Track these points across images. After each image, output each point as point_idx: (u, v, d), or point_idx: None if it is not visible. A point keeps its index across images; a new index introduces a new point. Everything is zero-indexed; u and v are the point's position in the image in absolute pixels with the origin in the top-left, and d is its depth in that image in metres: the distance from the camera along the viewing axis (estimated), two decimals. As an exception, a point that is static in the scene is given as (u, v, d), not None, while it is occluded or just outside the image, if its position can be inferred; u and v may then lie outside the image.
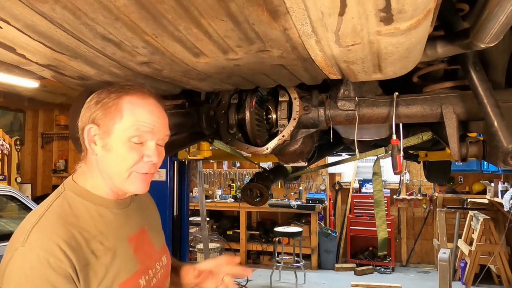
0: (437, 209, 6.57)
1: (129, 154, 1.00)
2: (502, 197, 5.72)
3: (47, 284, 0.87)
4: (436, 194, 7.18)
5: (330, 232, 7.32)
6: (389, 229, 6.54)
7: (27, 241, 0.90)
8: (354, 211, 7.45)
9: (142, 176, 1.03)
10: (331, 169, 7.73)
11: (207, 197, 7.71)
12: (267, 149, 1.62)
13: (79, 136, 1.05)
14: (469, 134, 1.58)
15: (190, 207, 4.81)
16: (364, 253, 7.25)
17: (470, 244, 5.96)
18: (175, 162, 4.34)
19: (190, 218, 5.39)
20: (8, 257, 0.90)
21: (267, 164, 4.52)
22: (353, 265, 7.10)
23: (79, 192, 1.04)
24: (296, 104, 1.60)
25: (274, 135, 1.66)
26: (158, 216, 1.34)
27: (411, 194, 7.43)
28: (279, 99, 1.63)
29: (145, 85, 1.11)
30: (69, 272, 0.89)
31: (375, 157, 2.15)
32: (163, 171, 4.24)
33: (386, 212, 6.68)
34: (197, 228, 6.40)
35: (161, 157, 1.06)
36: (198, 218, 5.51)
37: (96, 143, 1.02)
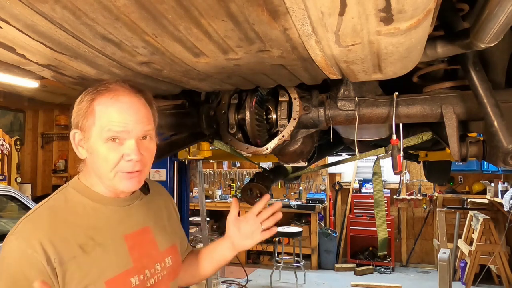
0: (437, 209, 6.57)
1: (109, 155, 1.02)
2: (502, 197, 5.73)
3: (21, 274, 0.93)
4: (436, 194, 7.18)
5: (330, 232, 7.32)
6: (389, 229, 6.54)
7: (15, 230, 0.98)
8: (354, 211, 7.45)
9: (127, 175, 1.04)
10: (331, 169, 7.73)
11: (207, 197, 7.71)
12: (267, 149, 1.62)
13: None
14: (469, 134, 1.57)
15: (190, 207, 4.81)
16: (364, 253, 7.25)
17: (470, 244, 5.97)
18: (175, 162, 4.34)
19: (190, 218, 5.40)
20: (3, 243, 0.98)
21: (267, 164, 4.52)
22: (353, 265, 7.11)
23: (79, 188, 1.08)
24: (296, 104, 1.60)
25: (274, 135, 1.66)
26: (173, 218, 1.33)
27: (411, 194, 7.43)
28: (279, 99, 1.63)
29: (124, 81, 1.10)
30: (43, 266, 0.93)
31: (375, 157, 2.15)
32: (163, 171, 4.24)
33: (386, 212, 6.68)
34: (197, 228, 6.39)
35: (148, 151, 1.07)
36: (198, 218, 5.51)
37: (83, 146, 1.06)
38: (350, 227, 7.38)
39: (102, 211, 1.07)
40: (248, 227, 1.31)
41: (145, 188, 1.22)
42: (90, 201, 1.07)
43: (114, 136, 1.01)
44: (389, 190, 7.36)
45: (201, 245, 5.40)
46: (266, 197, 1.39)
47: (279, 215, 1.32)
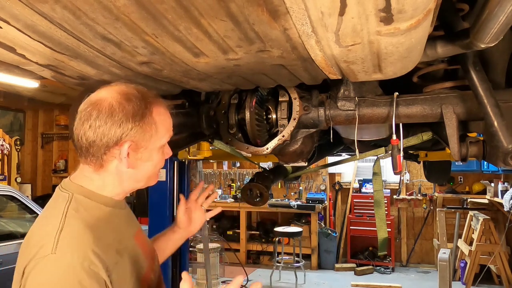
0: (437, 209, 6.57)
1: (161, 158, 1.08)
2: (502, 197, 5.72)
3: (79, 286, 0.86)
4: (436, 194, 7.18)
5: (330, 232, 7.32)
6: (389, 229, 6.54)
7: (57, 247, 0.88)
8: (354, 211, 7.45)
9: (159, 171, 1.11)
10: (331, 169, 7.73)
11: (207, 197, 7.70)
12: (267, 149, 1.62)
13: (93, 147, 0.99)
14: (469, 134, 1.57)
15: (190, 207, 4.80)
16: (364, 253, 7.24)
17: (470, 244, 5.96)
18: (175, 162, 4.33)
19: (190, 218, 5.38)
20: (32, 265, 0.88)
21: (267, 164, 4.52)
22: (353, 265, 7.10)
23: (88, 195, 1.02)
24: (296, 104, 1.60)
25: (274, 135, 1.66)
26: None
27: (411, 194, 7.43)
28: (279, 99, 1.63)
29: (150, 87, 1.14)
30: (101, 276, 0.90)
31: (375, 157, 2.15)
32: (163, 171, 4.23)
33: (386, 212, 6.68)
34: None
35: None
36: (198, 218, 5.49)
37: (130, 157, 1.00)
38: (350, 227, 7.37)
39: (116, 214, 1.06)
40: (194, 214, 1.43)
41: None
42: (104, 206, 1.03)
43: (167, 140, 1.08)
44: (389, 190, 7.35)
45: (201, 245, 5.40)
46: (200, 184, 1.50)
47: (215, 195, 1.52)
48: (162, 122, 1.04)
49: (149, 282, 1.10)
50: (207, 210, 1.48)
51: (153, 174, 1.09)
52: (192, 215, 1.43)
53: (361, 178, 7.70)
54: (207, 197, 1.46)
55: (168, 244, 1.41)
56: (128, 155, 0.99)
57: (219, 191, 8.25)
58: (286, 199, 7.73)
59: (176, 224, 1.41)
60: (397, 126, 1.51)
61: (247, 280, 6.31)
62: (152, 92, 1.07)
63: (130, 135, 0.97)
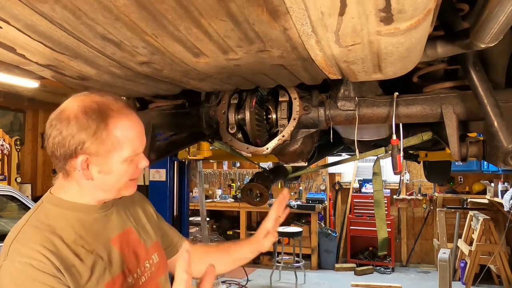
0: (437, 209, 6.57)
1: (128, 169, 1.06)
2: (502, 197, 5.72)
3: (37, 283, 0.92)
4: (436, 194, 7.18)
5: (330, 232, 7.32)
6: (389, 229, 6.54)
7: (8, 255, 0.95)
8: (354, 211, 7.45)
9: (134, 182, 1.11)
10: (331, 169, 7.73)
11: (207, 197, 7.70)
12: (267, 149, 1.62)
13: (55, 156, 1.02)
14: (469, 134, 1.57)
15: (190, 207, 4.81)
16: (364, 253, 7.25)
17: (470, 244, 5.96)
18: (175, 162, 4.34)
19: (190, 218, 5.40)
20: None
21: (267, 164, 4.52)
22: (353, 265, 7.10)
23: (55, 203, 1.07)
24: (296, 104, 1.60)
25: (274, 135, 1.66)
26: (151, 217, 1.34)
27: (411, 194, 7.43)
28: (279, 99, 1.63)
29: (111, 94, 1.09)
30: (53, 271, 0.93)
31: (375, 157, 2.15)
32: (163, 171, 4.23)
33: (386, 212, 6.68)
34: (197, 228, 6.40)
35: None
36: (198, 218, 5.51)
37: (90, 169, 1.02)
38: (350, 227, 7.37)
39: (84, 220, 1.07)
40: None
41: None
42: (70, 212, 1.06)
43: (135, 153, 1.06)
44: (389, 190, 7.35)
45: (201, 245, 5.39)
46: (285, 193, 1.50)
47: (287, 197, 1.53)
48: (124, 135, 1.02)
49: (123, 285, 1.07)
50: None
51: (123, 185, 1.07)
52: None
53: (361, 178, 7.70)
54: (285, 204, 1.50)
55: (234, 255, 1.48)
56: (88, 167, 1.01)
57: (219, 191, 8.25)
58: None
59: (257, 247, 1.47)
60: (397, 126, 1.51)
61: (247, 280, 6.31)
62: (119, 103, 1.05)
63: (84, 149, 0.99)
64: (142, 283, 1.13)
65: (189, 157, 4.08)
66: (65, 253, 0.98)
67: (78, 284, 0.97)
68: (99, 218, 1.11)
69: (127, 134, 1.04)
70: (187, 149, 3.86)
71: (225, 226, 7.88)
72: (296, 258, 6.56)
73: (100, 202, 1.10)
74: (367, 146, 2.32)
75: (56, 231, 1.01)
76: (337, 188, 7.86)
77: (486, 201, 6.54)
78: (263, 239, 1.45)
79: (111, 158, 1.02)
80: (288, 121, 1.61)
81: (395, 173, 1.56)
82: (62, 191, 1.08)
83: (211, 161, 7.67)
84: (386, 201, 6.89)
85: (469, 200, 6.86)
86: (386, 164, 5.50)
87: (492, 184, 6.30)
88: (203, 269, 1.30)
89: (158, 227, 1.35)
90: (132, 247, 1.15)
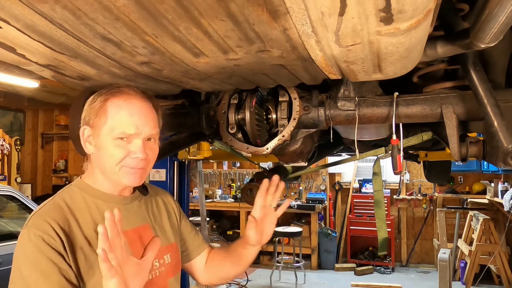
0: (437, 209, 6.57)
1: (116, 151, 1.09)
2: (502, 197, 5.72)
3: (42, 255, 0.99)
4: (436, 194, 7.18)
5: (330, 232, 7.32)
6: (389, 229, 6.54)
7: (27, 224, 1.04)
8: (354, 211, 7.45)
9: (131, 170, 1.12)
10: (331, 169, 7.73)
11: (207, 197, 7.71)
12: (267, 149, 1.62)
13: (79, 136, 1.14)
14: (469, 134, 1.57)
15: (190, 207, 4.81)
16: (364, 253, 7.25)
17: (470, 244, 5.97)
18: (175, 162, 4.33)
19: (190, 218, 5.40)
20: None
21: (267, 164, 4.52)
22: (353, 265, 7.10)
23: (81, 187, 1.15)
24: (296, 104, 1.60)
25: (274, 135, 1.66)
26: (173, 218, 1.37)
27: (411, 194, 7.43)
28: (279, 99, 1.63)
29: (134, 86, 1.18)
30: (59, 248, 1.00)
31: (375, 157, 2.15)
32: (163, 171, 4.23)
33: (386, 212, 6.68)
34: (197, 228, 6.39)
35: (152, 151, 1.15)
36: (198, 218, 5.51)
37: (91, 142, 1.12)
38: (350, 227, 7.37)
39: (103, 207, 1.11)
40: (265, 222, 1.37)
41: (144, 190, 1.30)
42: (91, 197, 1.13)
43: (124, 135, 1.09)
44: (389, 190, 7.35)
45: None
46: (264, 183, 1.38)
47: (282, 185, 1.40)
48: (116, 112, 1.09)
49: None
50: (278, 205, 1.38)
51: (118, 170, 1.10)
52: (263, 225, 1.36)
53: (361, 178, 7.70)
54: (275, 191, 1.38)
55: (241, 260, 1.41)
56: (87, 139, 1.12)
57: (219, 191, 8.25)
58: (286, 199, 7.73)
59: (246, 242, 1.36)
60: (397, 126, 1.51)
61: (247, 280, 6.31)
62: (131, 90, 1.14)
63: (83, 118, 1.12)
64: (148, 280, 1.13)
65: (189, 157, 4.08)
66: (76, 235, 1.05)
67: (80, 265, 1.02)
68: (119, 208, 1.12)
69: (120, 111, 1.09)
70: (187, 149, 3.86)
71: (225, 226, 7.88)
72: (296, 258, 6.57)
73: (118, 191, 1.17)
74: (367, 146, 2.32)
75: (75, 212, 1.08)
76: (337, 188, 7.86)
77: (486, 201, 6.54)
78: (247, 230, 1.36)
79: (101, 131, 1.09)
80: (288, 121, 1.61)
81: (395, 173, 1.56)
82: (89, 178, 1.17)
83: (211, 161, 7.67)
84: (386, 201, 6.89)
85: (469, 200, 6.86)
86: (386, 164, 5.50)
87: (492, 184, 6.30)
88: (223, 275, 1.42)
89: (179, 230, 1.38)
90: (144, 244, 1.16)
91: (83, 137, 1.13)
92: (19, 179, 6.52)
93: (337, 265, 7.16)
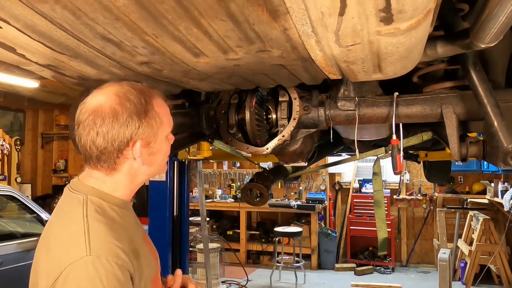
0: (437, 209, 6.57)
1: (167, 146, 1.09)
2: (502, 197, 5.72)
3: (117, 282, 0.89)
4: (436, 194, 7.17)
5: (330, 232, 7.32)
6: (389, 229, 6.54)
7: (91, 249, 0.89)
8: (354, 211, 7.45)
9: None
10: (331, 169, 7.72)
11: (207, 197, 7.70)
12: (267, 149, 1.62)
13: (104, 154, 0.99)
14: (469, 134, 1.57)
15: (190, 207, 4.80)
16: (364, 253, 7.24)
17: (470, 244, 5.96)
18: (175, 162, 4.33)
19: (190, 218, 5.40)
20: (68, 269, 0.87)
21: (267, 164, 4.52)
22: (353, 265, 7.10)
23: (102, 196, 1.02)
24: (296, 104, 1.60)
25: (274, 135, 1.66)
26: None
27: (411, 194, 7.43)
28: (279, 99, 1.63)
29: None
30: (131, 273, 0.93)
31: (375, 157, 2.15)
32: (163, 171, 4.23)
33: (386, 212, 6.68)
34: (197, 228, 6.39)
35: None
36: (198, 218, 5.51)
37: (142, 154, 1.01)
38: (350, 227, 7.37)
39: (128, 215, 1.07)
40: None
41: None
42: (116, 207, 1.03)
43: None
44: (389, 190, 7.35)
45: (201, 245, 5.40)
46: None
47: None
48: (164, 113, 1.06)
49: (159, 283, 1.10)
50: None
51: (163, 163, 1.10)
52: None
53: (361, 178, 7.69)
54: None
55: None
56: (141, 152, 1.01)
57: (219, 191, 8.25)
58: (286, 199, 7.73)
59: None
60: (397, 126, 1.51)
61: (247, 280, 6.31)
62: (145, 85, 1.07)
63: (139, 134, 0.99)
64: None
65: (189, 157, 4.07)
66: (128, 251, 0.96)
67: (135, 282, 0.96)
68: (132, 216, 1.11)
69: (164, 110, 1.07)
70: (187, 149, 3.86)
71: (225, 226, 7.87)
72: (296, 258, 6.56)
73: (130, 196, 1.09)
74: (367, 146, 2.32)
75: (116, 227, 0.98)
76: (337, 188, 7.85)
77: (486, 201, 6.54)
78: None
79: (158, 136, 1.04)
80: (288, 121, 1.61)
81: (395, 173, 1.56)
82: (101, 184, 1.03)
83: (211, 161, 7.67)
84: (386, 201, 6.89)
85: (469, 200, 6.85)
86: (386, 164, 5.50)
87: (492, 184, 6.30)
88: None
89: None
90: (152, 247, 1.16)
91: (135, 152, 1.00)
92: (19, 179, 6.52)
93: (337, 265, 7.15)
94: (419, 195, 7.35)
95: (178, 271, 1.23)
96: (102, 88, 1.02)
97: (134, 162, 1.02)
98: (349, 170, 7.85)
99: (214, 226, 7.88)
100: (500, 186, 6.02)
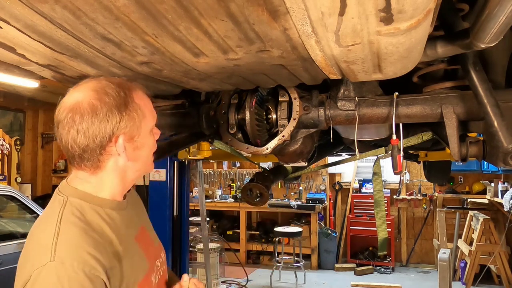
0: (437, 209, 6.57)
1: (152, 140, 1.06)
2: (502, 197, 5.72)
3: None
4: (436, 194, 7.18)
5: (330, 232, 7.32)
6: (389, 229, 6.54)
7: (56, 254, 0.87)
8: (354, 211, 7.45)
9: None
10: (331, 169, 7.72)
11: (207, 197, 7.70)
12: (267, 149, 1.62)
13: (87, 152, 0.96)
14: (469, 134, 1.57)
15: (190, 207, 4.81)
16: (364, 253, 7.24)
17: (470, 244, 5.96)
18: (175, 162, 4.34)
19: (190, 218, 5.40)
20: (35, 274, 0.86)
21: (267, 164, 4.52)
22: (353, 265, 7.10)
23: (84, 197, 0.99)
24: (296, 104, 1.60)
25: (274, 135, 1.66)
26: (146, 211, 1.33)
27: (411, 194, 7.43)
28: (279, 99, 1.63)
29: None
30: (102, 279, 0.89)
31: (375, 157, 2.15)
32: (163, 171, 4.23)
33: (386, 212, 6.68)
34: (197, 228, 6.39)
35: None
36: (198, 218, 5.51)
37: (126, 149, 0.99)
38: (350, 227, 7.37)
39: (114, 216, 1.02)
40: None
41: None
42: (101, 208, 0.99)
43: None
44: (389, 190, 7.35)
45: (201, 245, 5.40)
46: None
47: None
48: (146, 105, 1.04)
49: (149, 285, 1.06)
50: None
51: (150, 159, 1.07)
52: None
53: (361, 178, 7.69)
54: None
55: None
56: (125, 147, 0.98)
57: (219, 191, 8.25)
58: (286, 199, 7.73)
59: None
60: (397, 126, 1.51)
61: (247, 280, 6.31)
62: (124, 79, 1.06)
63: (121, 128, 0.96)
64: (157, 281, 1.12)
65: (189, 157, 4.08)
66: (108, 253, 0.93)
67: (116, 286, 0.93)
68: (124, 215, 1.06)
69: (146, 102, 1.04)
70: (187, 149, 3.86)
71: (225, 226, 7.88)
72: (296, 258, 6.56)
73: (122, 194, 1.06)
74: (367, 146, 2.32)
75: (95, 229, 0.95)
76: (337, 188, 7.86)
77: (486, 201, 6.54)
78: None
79: (142, 130, 1.01)
80: (288, 121, 1.61)
81: (395, 173, 1.56)
82: (85, 185, 1.00)
83: (211, 161, 7.67)
84: (386, 201, 6.89)
85: (469, 200, 6.85)
86: (386, 164, 5.50)
87: (492, 184, 6.30)
88: None
89: None
90: (148, 246, 1.14)
91: (119, 148, 0.97)
92: (19, 179, 6.52)
93: (337, 265, 7.16)
94: (419, 195, 7.35)
95: (185, 276, 1.20)
96: (79, 85, 0.99)
97: (119, 158, 0.99)
98: (349, 170, 7.85)
99: (214, 226, 7.88)
100: (500, 186, 6.03)
